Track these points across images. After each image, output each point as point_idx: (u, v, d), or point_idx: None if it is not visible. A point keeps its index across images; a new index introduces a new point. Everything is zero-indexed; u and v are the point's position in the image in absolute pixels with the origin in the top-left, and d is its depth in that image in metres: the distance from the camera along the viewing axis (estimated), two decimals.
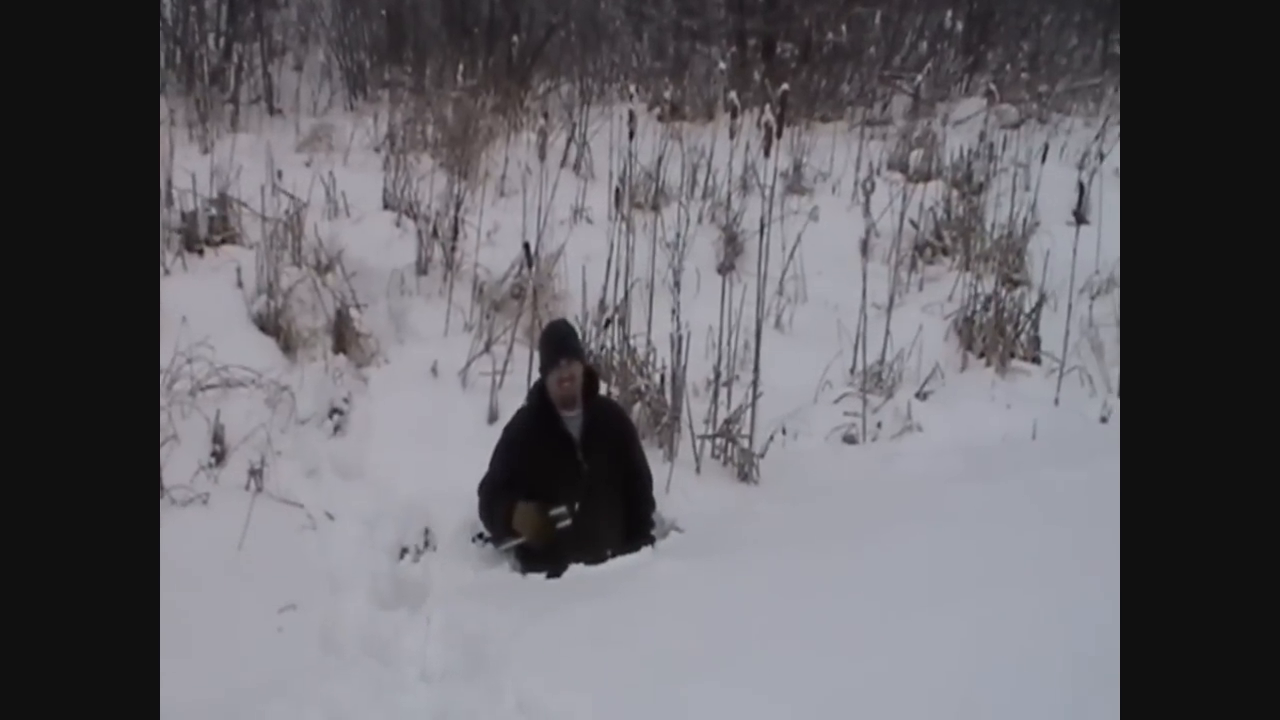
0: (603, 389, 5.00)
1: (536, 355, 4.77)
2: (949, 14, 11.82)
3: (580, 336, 4.92)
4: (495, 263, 6.57)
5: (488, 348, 5.84)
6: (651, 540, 4.57)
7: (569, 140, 8.59)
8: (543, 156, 6.84)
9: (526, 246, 6.10)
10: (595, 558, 4.23)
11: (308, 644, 3.84)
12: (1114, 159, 8.66)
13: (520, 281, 6.39)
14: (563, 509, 4.42)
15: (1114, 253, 6.70)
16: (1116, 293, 6.78)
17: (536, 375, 5.29)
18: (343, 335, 5.94)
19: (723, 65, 10.34)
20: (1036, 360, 6.50)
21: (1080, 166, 8.83)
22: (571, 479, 4.49)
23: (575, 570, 4.19)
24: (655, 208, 7.41)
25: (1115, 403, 5.94)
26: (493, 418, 5.48)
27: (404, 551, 4.64)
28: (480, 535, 4.61)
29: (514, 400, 5.36)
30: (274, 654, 3.75)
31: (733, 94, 6.68)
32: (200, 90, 8.66)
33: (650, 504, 4.76)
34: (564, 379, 4.52)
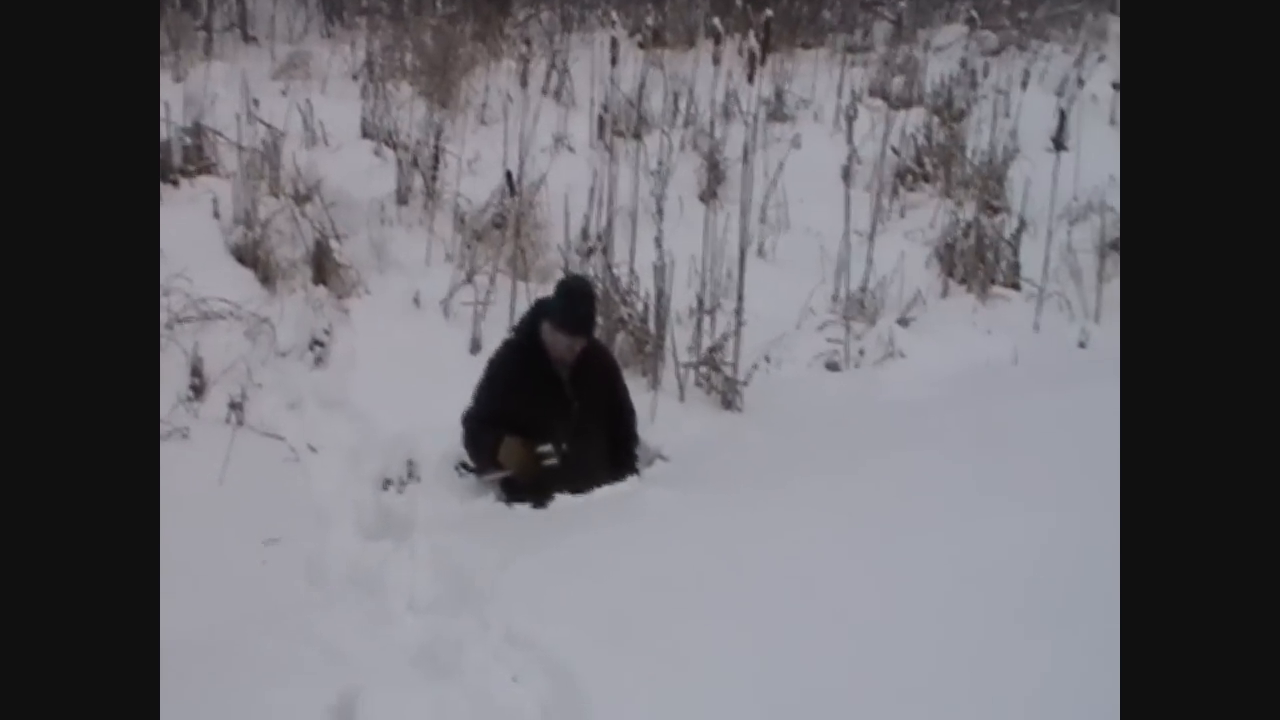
0: None
1: (554, 298, 4.59)
2: None
3: (594, 297, 4.77)
4: (476, 192, 6.51)
5: (470, 278, 5.81)
6: (637, 472, 4.58)
7: (550, 68, 8.48)
8: (524, 84, 6.77)
9: (509, 174, 6.05)
10: (581, 491, 4.24)
11: (293, 577, 3.85)
12: (1093, 85, 8.62)
13: (502, 211, 6.34)
14: (550, 447, 4.40)
15: (1093, 179, 6.75)
16: (1095, 219, 6.78)
17: (521, 307, 5.31)
18: (323, 266, 5.89)
19: None
20: (1016, 286, 6.51)
21: (1060, 93, 8.77)
22: (560, 417, 4.47)
23: (562, 500, 4.20)
24: (637, 136, 7.34)
25: (1094, 328, 5.97)
26: (475, 348, 5.47)
27: (388, 483, 4.64)
28: (463, 465, 4.61)
29: (497, 330, 5.35)
30: (259, 588, 3.76)
31: (715, 20, 6.60)
32: (172, 16, 8.51)
33: (635, 439, 4.76)
34: (574, 347, 4.47)
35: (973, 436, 4.19)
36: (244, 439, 4.55)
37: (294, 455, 4.65)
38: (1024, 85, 7.47)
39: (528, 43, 7.25)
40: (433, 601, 3.54)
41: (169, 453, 4.38)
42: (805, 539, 3.44)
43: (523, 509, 4.24)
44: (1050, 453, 3.72)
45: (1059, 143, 7.90)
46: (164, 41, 8.18)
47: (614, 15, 7.15)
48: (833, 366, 5.72)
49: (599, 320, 5.16)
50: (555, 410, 4.47)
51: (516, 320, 5.08)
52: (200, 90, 6.64)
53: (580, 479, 4.31)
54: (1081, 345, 5.87)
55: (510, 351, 4.63)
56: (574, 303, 4.50)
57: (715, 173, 7.27)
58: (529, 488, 4.35)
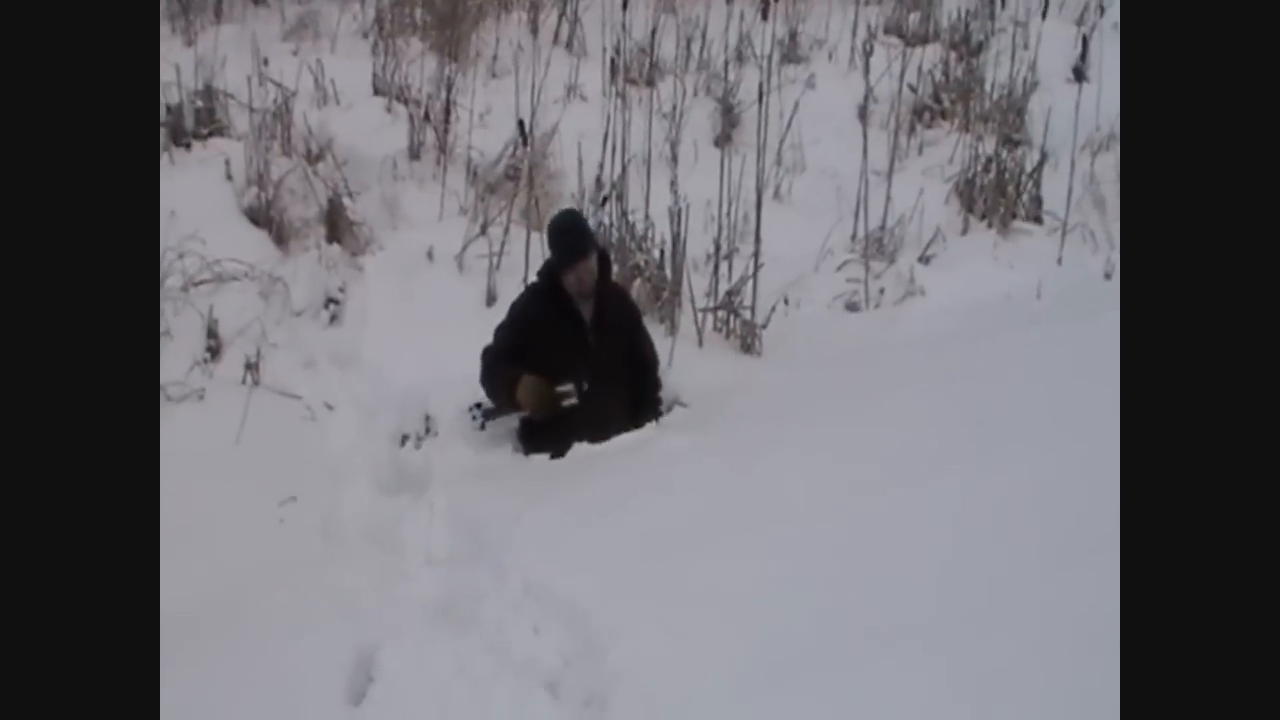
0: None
1: (546, 245, 4.66)
2: None
3: (587, 223, 4.81)
4: (489, 145, 6.45)
5: (484, 230, 5.77)
6: (658, 416, 4.56)
7: (560, 17, 8.38)
8: (535, 32, 6.69)
9: (521, 124, 5.99)
10: (600, 439, 4.22)
11: (310, 534, 3.85)
12: (1113, 13, 8.43)
13: (515, 162, 6.28)
14: (570, 387, 4.39)
15: (1115, 108, 6.60)
16: (1118, 149, 6.65)
17: (536, 258, 5.27)
18: (336, 224, 5.87)
19: None
20: (1039, 220, 6.42)
21: (1079, 23, 8.60)
22: (580, 358, 4.45)
23: (579, 449, 4.18)
24: (650, 82, 7.25)
25: (1119, 259, 5.86)
26: (491, 300, 5.44)
27: (404, 439, 4.63)
28: (477, 406, 4.58)
29: (512, 282, 5.33)
30: (276, 545, 3.76)
31: None
32: None
33: (657, 385, 4.74)
34: (582, 275, 4.47)
35: (991, 372, 4.13)
36: (260, 399, 4.54)
37: (310, 414, 4.65)
38: (1044, 15, 7.31)
39: None
40: (450, 555, 3.55)
41: (185, 414, 4.39)
42: (821, 482, 3.41)
43: (540, 459, 4.23)
44: (1069, 385, 3.65)
45: (1080, 73, 7.79)
46: (174, 6, 8.13)
47: None
48: (852, 307, 5.66)
49: (615, 268, 5.13)
50: (576, 350, 4.46)
51: (532, 271, 5.07)
52: (211, 53, 6.59)
53: (599, 424, 4.29)
54: (1107, 276, 5.78)
55: (532, 293, 4.65)
56: (562, 229, 4.57)
57: (729, 117, 7.18)
58: (547, 432, 4.34)
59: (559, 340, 4.47)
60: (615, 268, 5.35)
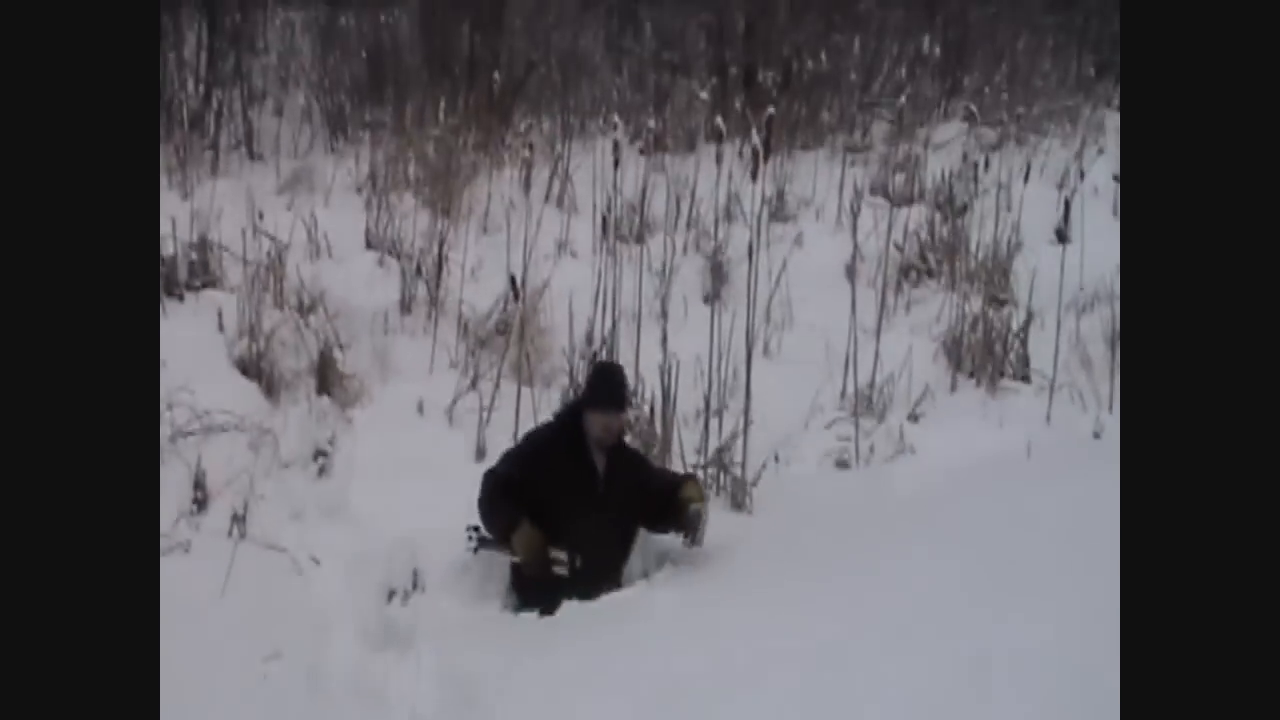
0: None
1: (585, 385, 4.79)
2: (925, 39, 11.87)
3: (628, 387, 4.92)
4: (480, 299, 6.52)
5: (474, 384, 5.78)
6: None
7: (551, 175, 8.57)
8: (527, 189, 6.82)
9: (513, 279, 6.06)
10: (592, 596, 4.18)
11: (295, 690, 3.74)
12: (1094, 178, 8.67)
13: (506, 317, 6.34)
14: (563, 555, 4.32)
15: (1098, 269, 6.74)
16: (1103, 309, 6.75)
17: (526, 412, 5.27)
18: (326, 376, 5.87)
19: (704, 95, 10.35)
20: (1026, 379, 6.45)
21: (1060, 186, 8.83)
22: (586, 510, 4.40)
23: (568, 606, 4.13)
24: (640, 239, 7.40)
25: (1108, 418, 5.88)
26: (480, 454, 5.41)
27: (392, 593, 4.55)
28: (475, 529, 4.49)
29: (502, 436, 5.32)
30: (261, 700, 3.65)
31: (718, 118, 6.67)
32: (180, 137, 8.63)
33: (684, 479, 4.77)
34: (611, 425, 4.53)
35: (985, 533, 4.10)
36: (246, 551, 4.47)
37: (296, 567, 4.57)
38: (1025, 179, 7.50)
39: (530, 148, 7.30)
40: (437, 712, 3.45)
41: (170, 566, 4.29)
42: (822, 638, 3.35)
43: (529, 616, 4.15)
44: (1062, 547, 3.63)
45: (1062, 234, 7.96)
46: (172, 160, 8.29)
47: (615, 118, 7.21)
48: (842, 464, 5.65)
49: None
50: (584, 498, 4.42)
51: (522, 425, 5.07)
52: (206, 206, 6.70)
53: (595, 581, 4.25)
54: (1096, 436, 5.79)
55: (550, 430, 4.66)
56: (608, 377, 4.66)
57: (718, 273, 7.27)
58: (536, 589, 4.26)
59: (570, 484, 4.43)
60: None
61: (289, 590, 4.43)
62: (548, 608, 4.16)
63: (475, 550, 4.53)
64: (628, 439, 5.32)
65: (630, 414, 5.45)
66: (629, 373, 5.60)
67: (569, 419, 4.60)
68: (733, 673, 3.24)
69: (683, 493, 4.57)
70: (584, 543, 4.34)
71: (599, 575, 4.33)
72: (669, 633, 3.68)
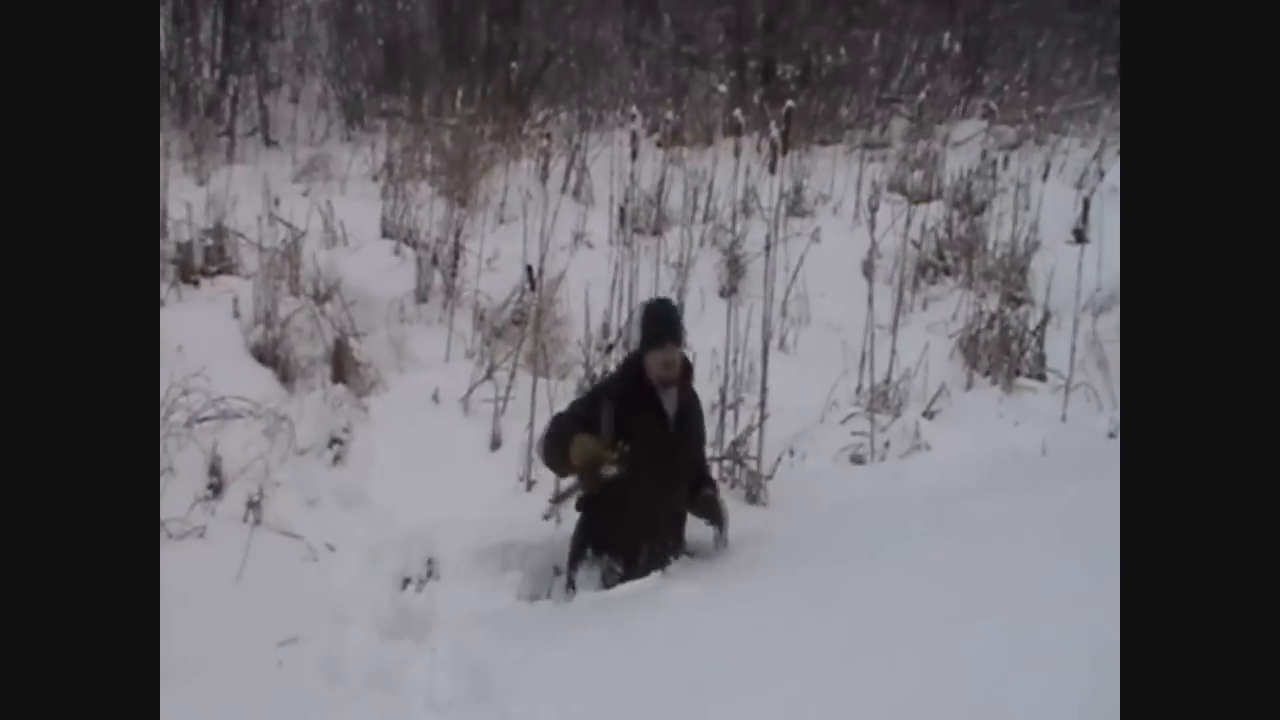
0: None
1: (637, 330, 4.59)
2: (946, 36, 11.82)
3: (679, 316, 4.65)
4: (496, 289, 6.51)
5: (489, 374, 5.77)
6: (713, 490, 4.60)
7: (569, 166, 8.56)
8: (543, 180, 6.80)
9: (529, 269, 6.05)
10: (659, 541, 4.29)
11: (310, 676, 3.74)
12: (1112, 178, 8.63)
13: (522, 307, 6.33)
14: (617, 454, 4.16)
15: (1115, 270, 6.69)
16: (1119, 309, 6.72)
17: (542, 402, 5.25)
18: (342, 364, 5.87)
19: (722, 89, 10.32)
20: (1042, 377, 6.44)
21: (1079, 186, 8.79)
22: (662, 449, 4.30)
23: (584, 596, 4.14)
24: (657, 232, 7.38)
25: (1113, 421, 5.87)
26: (495, 444, 5.41)
27: (407, 581, 4.55)
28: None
29: (517, 426, 5.32)
30: (276, 687, 3.65)
31: (736, 111, 6.64)
32: (196, 123, 8.64)
33: (712, 485, 4.69)
34: (667, 361, 4.32)
35: (1004, 525, 4.09)
36: (261, 538, 4.47)
37: (311, 554, 4.57)
38: (1044, 178, 7.47)
39: (549, 137, 7.27)
40: (452, 700, 3.45)
41: (186, 551, 4.33)
42: (839, 629, 3.34)
43: (544, 606, 4.15)
44: (1078, 542, 3.61)
45: (1081, 234, 7.93)
46: (188, 146, 8.30)
47: (633, 110, 7.18)
48: (858, 459, 5.63)
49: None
50: (656, 438, 4.29)
51: (539, 415, 5.05)
52: (222, 193, 6.70)
53: (665, 519, 4.35)
54: (1111, 435, 5.77)
55: (614, 377, 4.58)
56: (654, 314, 4.46)
57: (735, 267, 7.26)
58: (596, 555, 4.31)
59: (644, 428, 4.27)
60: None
61: (304, 577, 4.44)
62: (609, 580, 4.22)
63: (553, 503, 4.58)
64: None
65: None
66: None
67: (631, 366, 4.45)
68: (745, 667, 3.22)
69: (706, 489, 4.55)
70: (656, 485, 4.27)
71: (669, 515, 4.37)
72: (683, 625, 3.66)
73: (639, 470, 4.17)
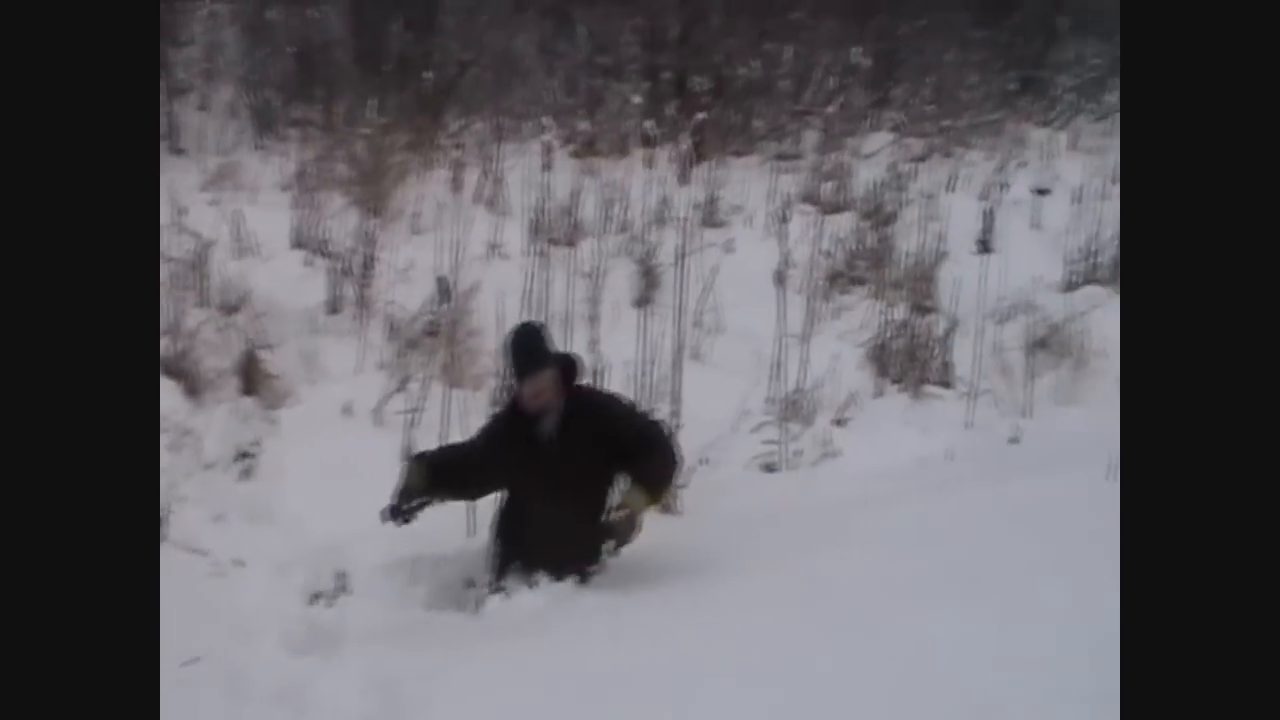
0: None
1: (506, 361, 4.54)
2: (857, 50, 11.99)
3: (543, 337, 4.53)
4: (409, 300, 6.48)
5: (402, 385, 5.74)
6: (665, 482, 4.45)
7: (483, 176, 8.53)
8: (457, 190, 6.78)
9: (441, 280, 6.02)
10: (556, 563, 4.22)
11: (214, 696, 3.67)
12: (1014, 190, 8.85)
13: (435, 318, 6.30)
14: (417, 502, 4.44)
15: (1018, 279, 6.88)
16: (1022, 317, 6.89)
17: (455, 414, 5.24)
18: (251, 376, 5.80)
19: (637, 100, 10.36)
20: (949, 384, 6.57)
21: (983, 197, 8.99)
22: (542, 470, 4.31)
23: (493, 604, 4.14)
24: (571, 242, 7.39)
25: (1024, 424, 6.02)
26: (407, 457, 5.37)
27: (317, 596, 4.50)
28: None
29: (430, 438, 5.29)
30: (177, 708, 3.58)
31: (650, 123, 6.68)
32: None
33: (664, 461, 4.39)
34: (536, 391, 4.31)
35: (907, 533, 4.18)
36: (166, 554, 4.39)
37: (219, 570, 4.50)
38: (951, 189, 7.63)
39: (461, 146, 7.25)
40: (361, 716, 3.40)
41: None
42: (755, 635, 3.38)
43: (455, 618, 4.14)
44: (980, 548, 3.71)
45: (985, 244, 8.11)
46: None
47: (547, 120, 7.19)
48: (770, 467, 5.70)
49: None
50: (525, 466, 4.33)
51: (451, 427, 5.03)
52: None
53: (556, 554, 4.23)
54: (1013, 441, 5.90)
55: (500, 408, 4.63)
56: (510, 346, 4.42)
57: (649, 278, 7.29)
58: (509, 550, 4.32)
59: (510, 456, 4.36)
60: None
61: (211, 594, 4.36)
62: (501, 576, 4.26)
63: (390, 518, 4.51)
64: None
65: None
66: None
67: (508, 405, 4.50)
68: (658, 674, 3.25)
69: (624, 496, 4.41)
70: (546, 503, 4.28)
71: (558, 541, 4.25)
72: (596, 634, 3.67)
73: (524, 491, 4.31)
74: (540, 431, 4.36)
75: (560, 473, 4.30)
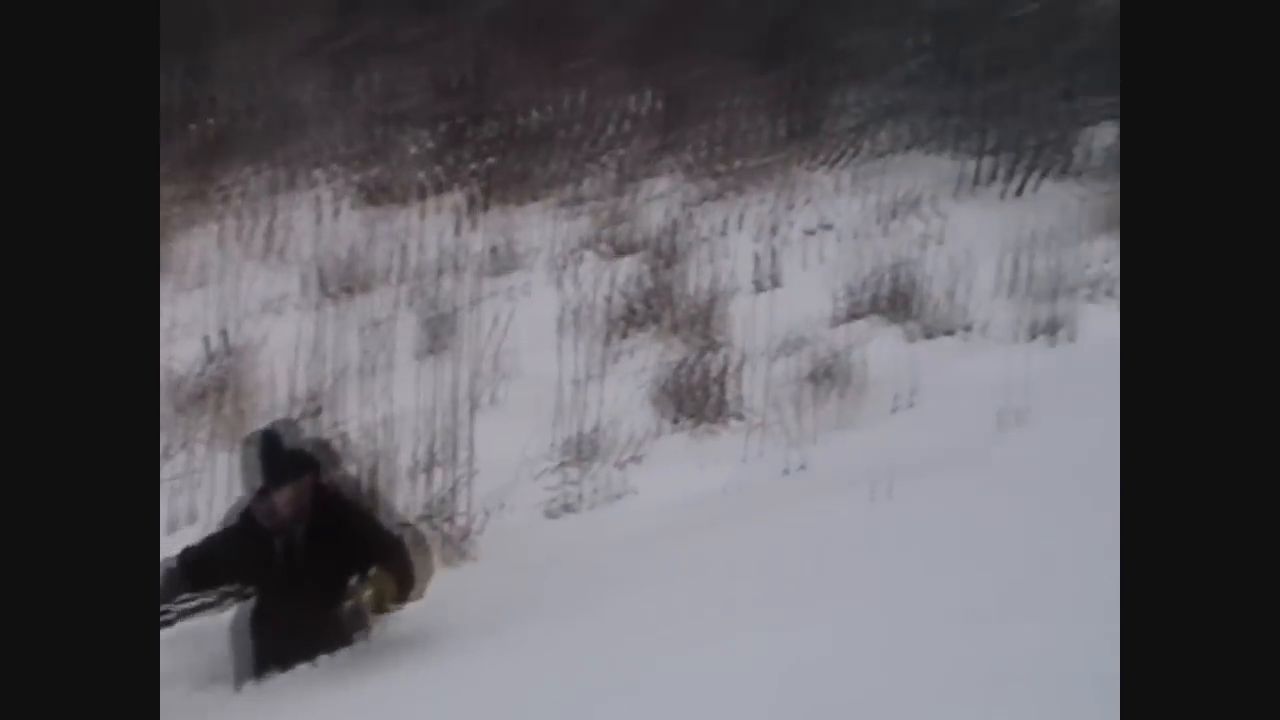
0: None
1: (251, 467, 4.28)
2: (647, 95, 12.19)
3: (295, 439, 4.36)
4: (181, 360, 6.20)
5: (171, 451, 5.49)
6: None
7: (263, 227, 8.30)
8: (233, 242, 6.60)
9: (215, 338, 5.83)
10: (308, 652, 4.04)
11: None
12: (795, 229, 9.13)
13: (211, 377, 6.06)
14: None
15: (800, 313, 7.10)
16: (804, 350, 7.06)
17: (236, 479, 5.03)
18: None
19: (430, 145, 10.26)
20: (739, 417, 6.67)
21: (765, 236, 9.20)
22: (267, 586, 4.17)
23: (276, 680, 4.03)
24: (356, 292, 7.26)
25: (808, 453, 6.06)
26: (173, 529, 5.13)
27: None
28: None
29: (203, 506, 5.10)
30: None
31: (439, 168, 6.64)
32: None
33: (396, 567, 4.12)
34: (274, 507, 4.06)
35: (698, 568, 4.23)
36: None
37: None
38: (737, 229, 7.83)
39: (242, 196, 7.05)
40: None
41: None
42: (538, 687, 3.36)
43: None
44: (766, 575, 3.79)
45: (764, 283, 8.35)
46: None
47: (318, 174, 7.06)
48: (565, 509, 5.70)
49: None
50: (260, 578, 4.19)
51: (232, 493, 4.85)
52: None
53: (299, 642, 4.04)
54: (786, 473, 5.99)
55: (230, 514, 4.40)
56: (261, 454, 4.15)
57: (439, 325, 7.20)
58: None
59: (253, 568, 4.17)
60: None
61: None
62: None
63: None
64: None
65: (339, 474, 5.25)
66: (353, 426, 5.48)
67: (239, 517, 4.25)
68: None
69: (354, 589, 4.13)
70: (288, 608, 4.11)
71: (309, 635, 4.06)
72: (391, 687, 3.62)
73: (271, 592, 4.12)
74: (289, 539, 4.12)
75: (310, 574, 4.10)
